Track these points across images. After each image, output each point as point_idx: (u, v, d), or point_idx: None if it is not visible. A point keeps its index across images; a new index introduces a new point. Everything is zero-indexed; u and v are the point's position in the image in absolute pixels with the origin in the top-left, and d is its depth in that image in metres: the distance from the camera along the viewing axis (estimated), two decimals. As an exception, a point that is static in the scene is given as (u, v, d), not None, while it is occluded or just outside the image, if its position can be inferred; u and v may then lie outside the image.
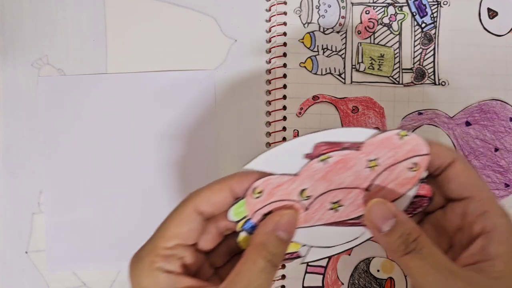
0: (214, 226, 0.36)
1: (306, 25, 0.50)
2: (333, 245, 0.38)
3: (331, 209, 0.36)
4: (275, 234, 0.34)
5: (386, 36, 0.50)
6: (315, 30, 0.50)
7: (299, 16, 0.50)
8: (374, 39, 0.50)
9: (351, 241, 0.38)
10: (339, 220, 0.37)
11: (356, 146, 0.35)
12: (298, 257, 0.38)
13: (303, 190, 0.36)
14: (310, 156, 0.35)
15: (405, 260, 0.33)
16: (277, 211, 0.35)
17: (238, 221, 0.36)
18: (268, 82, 0.49)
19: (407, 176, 0.36)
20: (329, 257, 0.38)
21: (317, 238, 0.37)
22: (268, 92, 0.49)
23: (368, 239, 0.37)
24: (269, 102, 0.49)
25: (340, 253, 0.38)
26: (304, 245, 0.37)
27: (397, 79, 0.50)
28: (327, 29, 0.50)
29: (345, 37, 0.50)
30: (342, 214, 0.36)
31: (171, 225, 0.34)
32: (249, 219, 0.36)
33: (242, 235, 0.36)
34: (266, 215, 0.35)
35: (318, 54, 0.50)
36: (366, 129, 0.35)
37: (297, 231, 0.36)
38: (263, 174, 0.35)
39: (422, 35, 0.50)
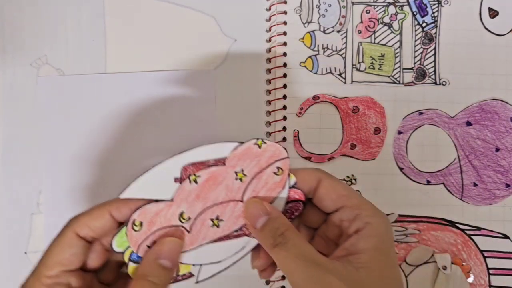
0: (98, 244, 0.36)
1: (306, 25, 0.49)
2: (222, 259, 0.39)
3: (213, 225, 0.38)
4: (157, 263, 0.35)
5: (387, 36, 0.50)
6: (315, 30, 0.49)
7: (299, 15, 0.49)
8: (375, 38, 0.50)
9: (239, 252, 0.39)
10: (223, 235, 0.38)
11: (221, 162, 0.37)
12: (191, 275, 0.39)
13: (181, 214, 0.37)
14: (180, 180, 0.37)
15: (274, 253, 0.35)
16: (159, 240, 0.36)
17: (124, 252, 0.36)
18: (268, 81, 0.49)
19: (274, 181, 0.38)
20: (221, 272, 0.40)
21: (206, 257, 0.38)
22: (268, 91, 0.49)
23: (254, 247, 0.39)
24: (269, 102, 0.49)
25: (230, 266, 0.39)
26: (194, 265, 0.38)
27: (398, 79, 0.50)
28: (328, 28, 0.50)
29: (346, 36, 0.50)
30: (225, 228, 0.38)
31: (52, 253, 0.34)
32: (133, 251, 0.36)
33: (131, 265, 0.36)
34: (150, 246, 0.36)
35: (319, 54, 0.49)
36: (226, 143, 0.37)
37: (185, 254, 0.37)
38: (141, 202, 0.36)
39: (423, 35, 0.50)
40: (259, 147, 0.38)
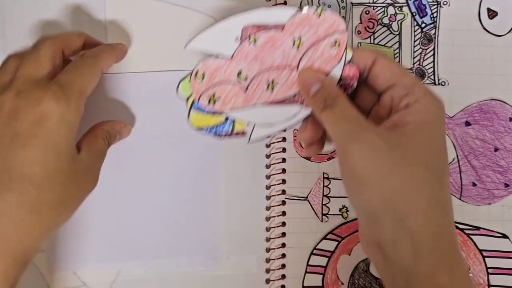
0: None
1: (306, 25, 0.50)
2: (274, 123, 0.42)
3: (268, 88, 0.40)
4: None
5: (386, 36, 0.50)
6: (315, 30, 0.50)
7: (299, 16, 0.50)
8: (374, 39, 0.50)
9: (290, 119, 0.41)
10: (277, 99, 0.41)
11: (280, 27, 0.39)
12: (244, 134, 0.42)
13: (240, 72, 0.40)
14: (241, 39, 0.39)
15: (322, 115, 0.37)
16: None
17: (186, 100, 0.41)
18: (268, 82, 0.49)
19: (330, 54, 0.39)
20: (271, 136, 0.45)
21: (259, 117, 0.41)
22: (268, 92, 0.49)
23: (306, 117, 0.41)
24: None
25: (280, 130, 0.42)
26: (248, 125, 0.42)
27: (397, 79, 0.50)
28: (327, 29, 0.50)
29: (345, 37, 0.50)
30: (278, 93, 0.40)
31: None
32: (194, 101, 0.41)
33: (192, 113, 0.41)
34: (211, 97, 0.40)
35: (318, 54, 0.50)
36: (286, 8, 0.39)
37: (240, 112, 0.41)
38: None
39: (422, 35, 0.50)
40: (319, 16, 0.39)
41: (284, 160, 0.49)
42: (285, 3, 0.49)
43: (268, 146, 0.49)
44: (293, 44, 0.39)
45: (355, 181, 0.35)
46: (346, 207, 0.49)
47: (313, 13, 0.38)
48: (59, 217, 0.39)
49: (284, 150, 0.49)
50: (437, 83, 0.50)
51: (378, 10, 0.50)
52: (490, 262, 0.49)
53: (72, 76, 0.40)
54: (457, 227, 0.49)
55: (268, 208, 0.49)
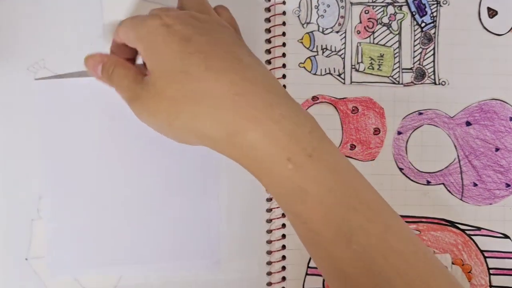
0: None
1: (305, 25, 0.49)
2: None
3: None
4: None
5: (386, 36, 0.50)
6: (314, 30, 0.49)
7: (298, 16, 0.49)
8: (374, 39, 0.50)
9: None
10: None
11: None
12: None
13: None
14: None
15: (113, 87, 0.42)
16: None
17: None
18: (268, 83, 0.49)
19: None
20: None
21: None
22: (268, 93, 0.49)
23: None
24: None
25: None
26: None
27: (397, 79, 0.50)
28: (326, 29, 0.49)
29: (345, 37, 0.49)
30: None
31: None
32: None
33: None
34: None
35: (318, 54, 0.49)
36: None
37: None
38: None
39: (422, 35, 0.50)
40: None
41: (284, 161, 0.49)
42: (284, 3, 0.49)
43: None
44: None
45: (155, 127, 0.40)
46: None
47: None
48: None
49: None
50: (437, 82, 0.50)
51: (378, 10, 0.49)
52: (492, 262, 0.49)
53: None
54: (458, 228, 0.49)
55: (269, 211, 0.49)
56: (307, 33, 0.49)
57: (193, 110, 0.37)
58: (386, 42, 0.50)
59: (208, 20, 0.40)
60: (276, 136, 0.36)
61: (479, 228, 0.49)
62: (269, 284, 0.49)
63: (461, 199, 0.49)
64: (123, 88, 0.41)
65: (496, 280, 0.49)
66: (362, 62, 0.49)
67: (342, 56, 0.49)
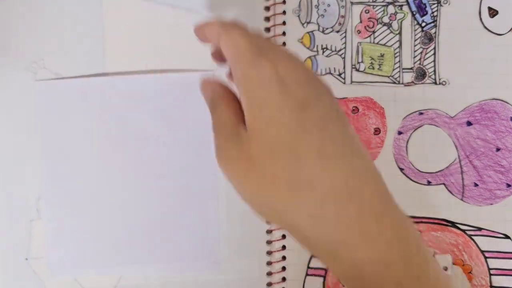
0: None
1: (305, 25, 0.49)
2: None
3: None
4: None
5: (386, 36, 0.49)
6: (314, 30, 0.49)
7: (298, 15, 0.49)
8: (374, 38, 0.49)
9: None
10: None
11: None
12: None
13: None
14: None
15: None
16: None
17: None
18: (268, 83, 0.49)
19: None
20: None
21: None
22: (268, 93, 0.49)
23: None
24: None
25: None
26: None
27: (398, 79, 0.49)
28: (327, 28, 0.49)
29: (345, 36, 0.49)
30: None
31: None
32: None
33: None
34: None
35: (318, 54, 0.49)
36: None
37: None
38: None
39: (422, 34, 0.49)
40: None
41: (284, 161, 0.49)
42: (284, 2, 0.49)
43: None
44: None
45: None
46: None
47: None
48: None
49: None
50: (437, 82, 0.49)
51: (378, 9, 0.49)
52: (492, 263, 0.49)
53: None
54: (458, 228, 0.49)
55: (268, 211, 0.49)
56: (307, 32, 0.49)
57: (291, 203, 0.31)
58: (387, 42, 0.49)
59: (314, 77, 0.33)
60: (388, 259, 0.31)
61: (479, 229, 0.49)
62: (269, 284, 0.49)
63: (461, 199, 0.49)
64: (218, 131, 0.34)
65: (497, 281, 0.49)
66: (362, 62, 0.49)
67: (343, 56, 0.49)
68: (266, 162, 0.31)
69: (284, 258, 0.49)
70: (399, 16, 0.49)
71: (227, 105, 0.34)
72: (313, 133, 0.31)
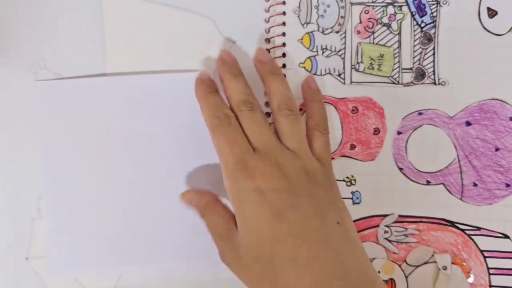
0: None
1: (305, 25, 0.49)
2: None
3: None
4: None
5: (386, 36, 0.50)
6: (314, 30, 0.49)
7: (298, 16, 0.49)
8: (374, 39, 0.50)
9: None
10: None
11: None
12: None
13: None
14: None
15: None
16: None
17: None
18: (268, 83, 0.49)
19: None
20: None
21: None
22: (268, 93, 0.49)
23: None
24: (269, 104, 0.49)
25: None
26: None
27: (397, 79, 0.50)
28: (326, 29, 0.49)
29: (345, 37, 0.49)
30: None
31: None
32: None
33: None
34: None
35: (317, 55, 0.49)
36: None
37: None
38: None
39: (422, 35, 0.50)
40: None
41: (284, 161, 0.49)
42: (283, 3, 0.49)
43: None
44: None
45: None
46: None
47: None
48: None
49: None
50: (437, 82, 0.49)
51: (378, 10, 0.49)
52: (492, 262, 0.49)
53: None
54: (458, 228, 0.49)
55: (268, 210, 0.49)
56: (307, 33, 0.49)
57: None
58: (386, 42, 0.50)
59: (301, 183, 0.39)
60: None
61: (479, 228, 0.49)
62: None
63: (461, 199, 0.49)
64: (213, 229, 0.43)
65: (496, 280, 0.49)
66: (362, 62, 0.49)
67: (342, 56, 0.49)
68: (252, 267, 0.37)
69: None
70: (398, 16, 0.49)
71: (213, 212, 0.42)
72: (287, 242, 0.36)
